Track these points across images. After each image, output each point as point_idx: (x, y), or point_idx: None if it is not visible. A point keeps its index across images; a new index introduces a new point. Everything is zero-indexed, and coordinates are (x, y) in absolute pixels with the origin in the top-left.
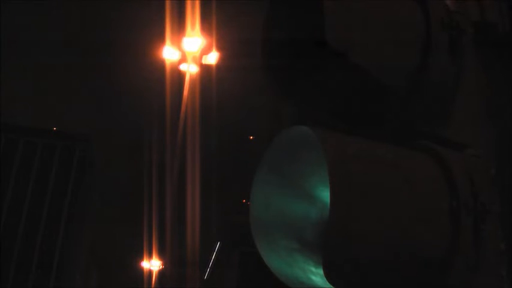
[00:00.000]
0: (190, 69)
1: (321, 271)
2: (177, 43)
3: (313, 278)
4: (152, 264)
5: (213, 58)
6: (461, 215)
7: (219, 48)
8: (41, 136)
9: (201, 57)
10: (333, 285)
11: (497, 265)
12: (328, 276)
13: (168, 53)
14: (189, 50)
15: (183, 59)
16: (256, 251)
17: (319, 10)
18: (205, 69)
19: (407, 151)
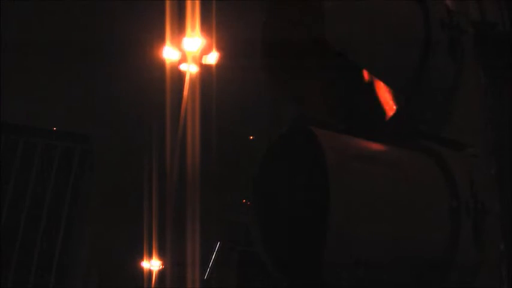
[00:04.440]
0: (190, 69)
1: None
2: (177, 43)
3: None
4: (152, 264)
5: (213, 58)
6: (461, 215)
7: (219, 48)
8: (41, 136)
9: (201, 57)
10: (333, 285)
11: (497, 265)
12: (329, 276)
13: (168, 53)
14: (189, 50)
15: (183, 59)
16: (256, 251)
17: (319, 10)
18: (205, 69)
19: (407, 151)
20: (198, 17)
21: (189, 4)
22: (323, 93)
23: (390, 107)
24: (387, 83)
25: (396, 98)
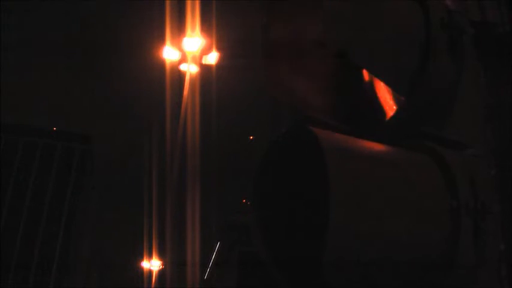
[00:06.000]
0: (190, 69)
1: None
2: (177, 43)
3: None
4: (152, 264)
5: (213, 58)
6: (461, 215)
7: (219, 48)
8: (41, 136)
9: (201, 57)
10: (333, 285)
11: (497, 265)
12: (329, 276)
13: (168, 53)
14: (189, 50)
15: (183, 59)
16: (256, 251)
17: (319, 10)
18: (205, 69)
19: (407, 151)
20: (198, 17)
21: (189, 4)
22: (323, 93)
23: (390, 107)
24: (387, 83)
25: (396, 98)
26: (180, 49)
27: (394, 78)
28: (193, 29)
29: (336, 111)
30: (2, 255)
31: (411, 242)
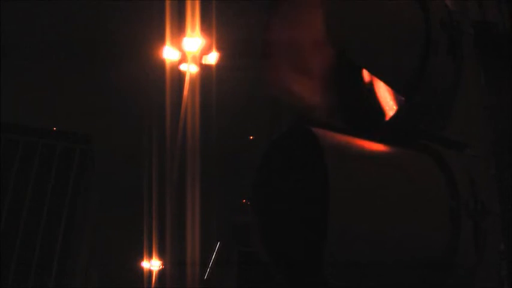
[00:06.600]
0: (190, 69)
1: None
2: (177, 43)
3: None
4: (152, 264)
5: (213, 58)
6: (461, 215)
7: (219, 48)
8: (41, 136)
9: (201, 57)
10: (333, 285)
11: (497, 265)
12: (329, 276)
13: (168, 53)
14: (189, 50)
15: (183, 59)
16: (256, 251)
17: (319, 10)
18: (205, 69)
19: (407, 151)
20: (198, 17)
21: (189, 4)
22: (323, 93)
23: (390, 107)
24: (387, 83)
25: (396, 98)
26: (180, 49)
27: (394, 78)
28: (193, 29)
29: (336, 111)
30: (2, 255)
31: (411, 242)
